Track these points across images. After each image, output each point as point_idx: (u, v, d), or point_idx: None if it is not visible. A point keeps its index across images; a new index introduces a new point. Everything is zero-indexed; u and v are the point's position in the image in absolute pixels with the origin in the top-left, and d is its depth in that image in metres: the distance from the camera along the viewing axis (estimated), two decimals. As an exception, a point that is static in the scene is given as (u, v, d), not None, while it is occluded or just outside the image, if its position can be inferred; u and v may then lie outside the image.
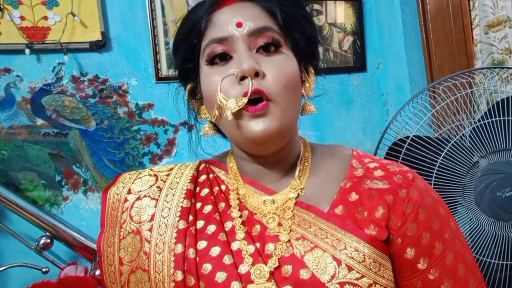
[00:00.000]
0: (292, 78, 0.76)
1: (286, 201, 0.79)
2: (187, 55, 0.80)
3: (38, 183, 1.80)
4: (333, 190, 0.80)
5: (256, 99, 0.73)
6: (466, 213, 1.53)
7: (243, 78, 0.73)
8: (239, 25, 0.75)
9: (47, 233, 1.73)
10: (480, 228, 1.50)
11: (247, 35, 0.75)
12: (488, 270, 1.47)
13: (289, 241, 0.75)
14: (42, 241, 1.71)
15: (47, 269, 1.66)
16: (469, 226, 1.52)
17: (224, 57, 0.76)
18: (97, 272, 1.65)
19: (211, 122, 0.83)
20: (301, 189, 0.81)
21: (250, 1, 0.78)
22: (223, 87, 0.74)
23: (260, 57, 0.75)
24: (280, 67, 0.75)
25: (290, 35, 0.78)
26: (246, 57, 0.73)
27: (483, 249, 1.48)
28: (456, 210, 1.52)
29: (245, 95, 0.72)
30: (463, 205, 1.53)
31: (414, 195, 0.77)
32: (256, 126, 0.73)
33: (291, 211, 0.78)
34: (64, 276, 1.65)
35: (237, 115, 0.73)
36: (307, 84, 0.83)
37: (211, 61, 0.77)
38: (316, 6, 2.24)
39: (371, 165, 0.82)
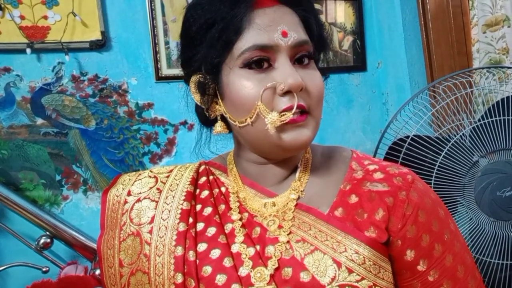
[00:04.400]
0: (323, 90, 0.77)
1: (287, 203, 0.79)
2: (219, 50, 0.74)
3: (38, 182, 1.80)
4: (333, 192, 0.80)
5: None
6: (466, 213, 1.53)
7: (286, 92, 0.72)
8: (284, 34, 0.72)
9: (47, 233, 1.73)
10: (480, 228, 1.50)
11: (291, 46, 0.73)
12: (488, 270, 1.47)
13: (288, 242, 0.75)
14: (42, 241, 1.71)
15: (47, 268, 1.66)
16: (469, 226, 1.52)
17: (260, 63, 0.73)
18: (97, 272, 1.65)
19: (222, 120, 0.80)
20: (301, 191, 0.81)
21: (288, 6, 0.75)
22: (263, 97, 0.72)
23: (298, 69, 0.74)
24: (316, 81, 0.75)
25: (318, 48, 0.79)
26: (292, 71, 0.72)
27: (483, 248, 1.48)
28: (456, 209, 1.53)
29: (289, 109, 0.71)
30: (463, 205, 1.53)
31: (413, 197, 0.77)
32: (295, 136, 0.73)
33: (292, 213, 0.78)
34: (64, 275, 1.65)
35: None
36: None
37: (247, 65, 0.73)
38: (316, 6, 2.23)
39: (371, 168, 0.82)
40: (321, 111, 0.78)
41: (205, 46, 0.75)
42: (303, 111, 0.73)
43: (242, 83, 0.73)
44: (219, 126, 0.80)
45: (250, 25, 0.72)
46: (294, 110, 0.71)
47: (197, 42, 0.76)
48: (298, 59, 0.75)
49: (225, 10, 0.73)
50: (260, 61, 0.73)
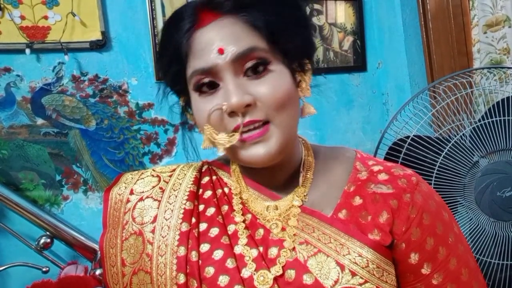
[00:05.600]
0: (286, 94, 0.72)
1: (290, 208, 0.78)
2: (174, 79, 0.78)
3: (38, 182, 1.80)
4: (337, 194, 0.79)
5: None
6: (466, 213, 1.53)
7: (233, 112, 0.70)
8: (220, 51, 0.69)
9: (47, 233, 1.73)
10: (480, 228, 1.50)
11: (231, 61, 0.70)
12: (488, 270, 1.47)
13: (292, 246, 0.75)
14: (42, 241, 1.71)
15: (47, 268, 1.66)
16: (469, 226, 1.52)
17: (211, 85, 0.72)
18: (97, 272, 1.65)
19: None
20: (304, 195, 0.80)
21: (230, 16, 0.72)
22: (212, 120, 0.72)
23: (249, 81, 0.71)
24: (272, 88, 0.71)
25: (278, 47, 0.73)
26: (233, 89, 0.69)
27: (483, 249, 1.48)
28: (457, 210, 1.53)
29: (236, 129, 0.70)
30: (463, 205, 1.53)
31: (418, 199, 0.76)
32: (256, 151, 0.71)
33: (295, 218, 0.77)
34: (64, 275, 1.65)
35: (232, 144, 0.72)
36: (303, 85, 0.79)
37: (199, 89, 0.73)
38: (316, 6, 2.23)
39: (375, 168, 0.81)
40: (288, 115, 0.72)
41: (163, 75, 0.80)
42: (260, 124, 0.71)
43: (196, 106, 0.75)
44: (206, 141, 0.79)
45: (190, 50, 0.73)
46: (240, 129, 0.70)
47: (163, 73, 0.81)
48: (252, 68, 0.71)
49: (170, 40, 0.75)
50: (210, 83, 0.72)
